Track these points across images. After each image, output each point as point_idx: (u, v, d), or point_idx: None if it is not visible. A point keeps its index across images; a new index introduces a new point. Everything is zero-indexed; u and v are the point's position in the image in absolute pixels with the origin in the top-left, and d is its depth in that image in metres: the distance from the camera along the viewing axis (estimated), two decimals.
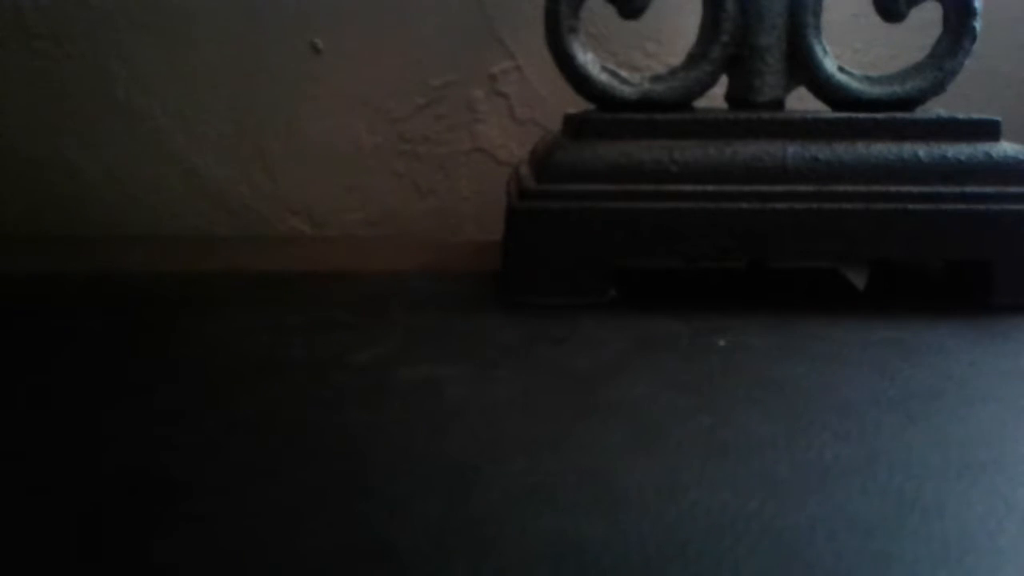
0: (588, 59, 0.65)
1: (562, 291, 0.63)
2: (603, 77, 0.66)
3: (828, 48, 0.66)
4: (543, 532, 0.33)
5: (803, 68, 0.66)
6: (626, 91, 0.66)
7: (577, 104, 0.69)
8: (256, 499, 0.36)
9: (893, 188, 0.62)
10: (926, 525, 0.33)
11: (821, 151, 0.63)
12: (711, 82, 0.66)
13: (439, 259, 0.78)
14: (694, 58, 0.67)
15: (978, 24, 0.65)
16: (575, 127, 0.65)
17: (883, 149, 0.63)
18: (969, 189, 0.62)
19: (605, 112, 0.66)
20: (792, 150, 0.63)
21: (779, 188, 0.62)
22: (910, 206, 0.62)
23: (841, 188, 0.62)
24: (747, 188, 0.62)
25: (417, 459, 0.39)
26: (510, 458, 0.39)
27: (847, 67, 0.67)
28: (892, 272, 0.72)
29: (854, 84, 0.66)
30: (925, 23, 0.67)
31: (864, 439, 0.41)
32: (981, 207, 0.62)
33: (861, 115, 0.64)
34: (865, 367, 0.51)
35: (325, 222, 0.87)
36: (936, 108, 0.68)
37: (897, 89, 0.66)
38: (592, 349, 0.54)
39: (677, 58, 0.68)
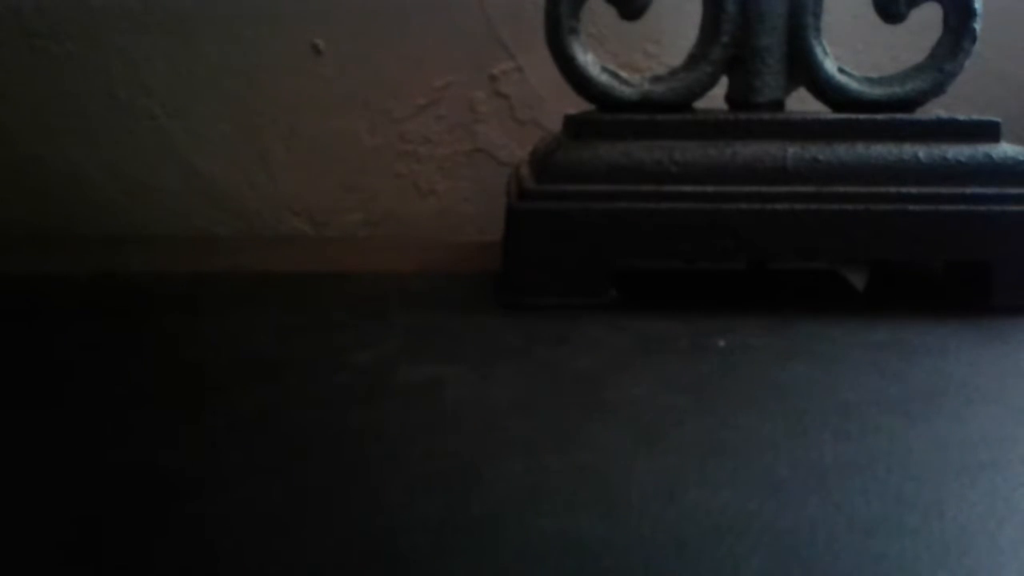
0: (588, 60, 0.66)
1: (562, 291, 0.63)
2: (603, 78, 0.66)
3: (828, 49, 0.66)
4: (543, 532, 0.33)
5: (803, 69, 0.66)
6: (626, 92, 0.66)
7: (577, 105, 0.69)
8: (256, 499, 0.36)
9: (893, 189, 0.62)
10: (926, 525, 0.33)
11: (821, 152, 0.63)
12: (711, 83, 0.66)
13: (439, 259, 0.78)
14: (694, 59, 0.67)
15: (978, 25, 0.65)
16: (575, 128, 0.65)
17: (883, 150, 0.63)
18: (969, 190, 0.62)
19: (605, 113, 0.66)
20: (792, 151, 0.63)
21: (779, 189, 0.62)
22: (910, 207, 0.62)
23: (841, 189, 0.62)
24: (747, 189, 0.62)
25: (417, 459, 0.39)
26: (510, 458, 0.39)
27: (847, 68, 0.67)
28: (892, 273, 0.72)
29: (854, 85, 0.66)
30: (925, 24, 0.67)
31: (864, 439, 0.41)
32: (981, 208, 0.62)
33: (861, 116, 0.64)
34: (865, 367, 0.51)
35: (325, 222, 0.87)
36: (936, 109, 0.69)
37: (897, 90, 0.66)
38: (592, 349, 0.54)
39: (677, 59, 0.68)
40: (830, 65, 0.66)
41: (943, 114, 0.65)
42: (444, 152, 0.85)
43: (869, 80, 0.66)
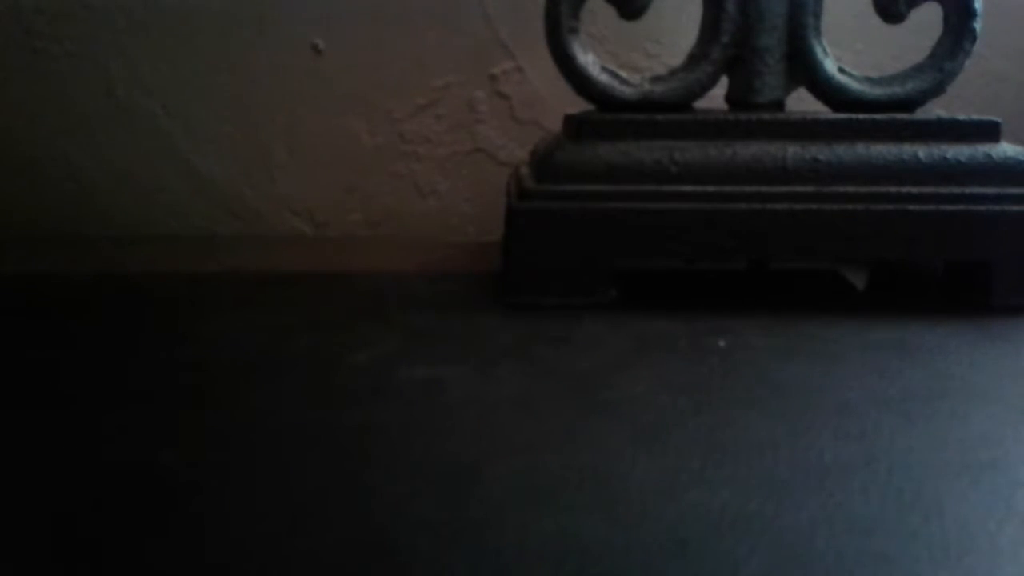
0: (588, 60, 0.66)
1: (562, 291, 0.63)
2: (603, 78, 0.66)
3: (828, 49, 0.66)
4: (543, 532, 0.33)
5: (803, 69, 0.66)
6: (626, 92, 0.66)
7: (577, 105, 0.69)
8: (256, 499, 0.36)
9: (893, 189, 0.62)
10: (926, 525, 0.33)
11: (821, 152, 0.63)
12: (711, 83, 0.66)
13: (439, 259, 0.78)
14: (694, 59, 0.67)
15: (978, 25, 0.65)
16: (575, 127, 0.65)
17: (883, 150, 0.63)
18: (969, 190, 0.62)
19: (605, 113, 0.66)
20: (792, 151, 0.63)
21: (779, 189, 0.62)
22: (910, 207, 0.62)
23: (841, 189, 0.62)
24: (747, 189, 0.62)
25: (417, 459, 0.39)
26: (510, 458, 0.39)
27: (847, 68, 0.67)
28: (892, 272, 0.72)
29: (854, 85, 0.66)
30: (925, 24, 0.67)
31: (864, 439, 0.41)
32: (981, 208, 0.62)
33: (861, 116, 0.64)
34: (865, 367, 0.51)
35: (326, 222, 0.87)
36: (936, 109, 0.69)
37: (897, 90, 0.66)
38: (592, 349, 0.54)
39: (677, 59, 0.68)
40: (830, 65, 0.66)
41: (943, 114, 0.65)
42: (444, 152, 0.85)
43: (869, 80, 0.66)
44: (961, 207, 0.62)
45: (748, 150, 0.63)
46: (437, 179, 0.86)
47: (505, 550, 0.32)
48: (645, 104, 0.65)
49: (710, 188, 0.62)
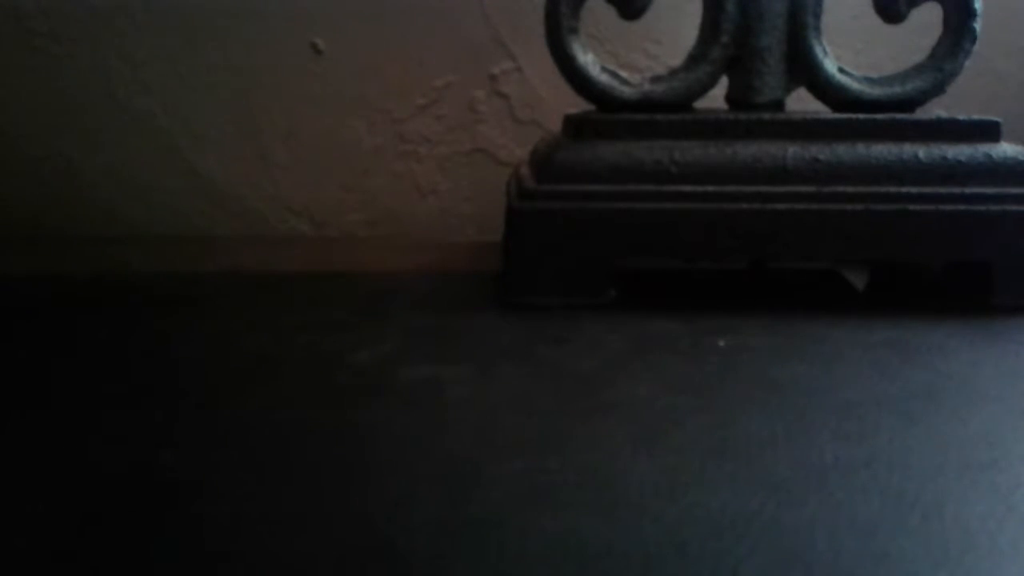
0: (588, 60, 0.66)
1: (562, 291, 0.63)
2: (603, 78, 0.66)
3: (828, 49, 0.66)
4: (543, 532, 0.33)
5: (803, 69, 0.66)
6: (626, 92, 0.66)
7: (577, 105, 0.69)
8: (256, 499, 0.36)
9: (893, 189, 0.62)
10: (926, 525, 0.33)
11: (821, 152, 0.63)
12: (711, 83, 0.66)
13: (439, 259, 0.78)
14: (694, 59, 0.67)
15: (978, 25, 0.65)
16: (575, 127, 0.65)
17: (883, 150, 0.63)
18: (969, 190, 0.62)
19: (605, 113, 0.66)
20: (792, 151, 0.63)
21: (779, 189, 0.62)
22: (910, 207, 0.62)
23: (841, 189, 0.62)
24: (747, 189, 0.62)
25: (417, 459, 0.39)
26: (510, 458, 0.39)
27: (847, 68, 0.67)
28: (892, 272, 0.72)
29: (854, 85, 0.66)
30: (925, 24, 0.67)
31: (864, 439, 0.41)
32: (981, 208, 0.62)
33: (861, 116, 0.64)
34: (865, 367, 0.51)
35: (325, 222, 0.87)
36: (936, 109, 0.69)
37: (897, 90, 0.66)
38: (592, 349, 0.54)
39: (677, 59, 0.68)
40: (830, 65, 0.66)
41: (943, 114, 0.65)
42: (444, 152, 0.85)
43: (869, 80, 0.66)
44: (961, 207, 0.62)
45: (748, 150, 0.63)
46: (437, 179, 0.86)
47: (505, 550, 0.32)
48: (645, 104, 0.65)
49: (710, 188, 0.62)
